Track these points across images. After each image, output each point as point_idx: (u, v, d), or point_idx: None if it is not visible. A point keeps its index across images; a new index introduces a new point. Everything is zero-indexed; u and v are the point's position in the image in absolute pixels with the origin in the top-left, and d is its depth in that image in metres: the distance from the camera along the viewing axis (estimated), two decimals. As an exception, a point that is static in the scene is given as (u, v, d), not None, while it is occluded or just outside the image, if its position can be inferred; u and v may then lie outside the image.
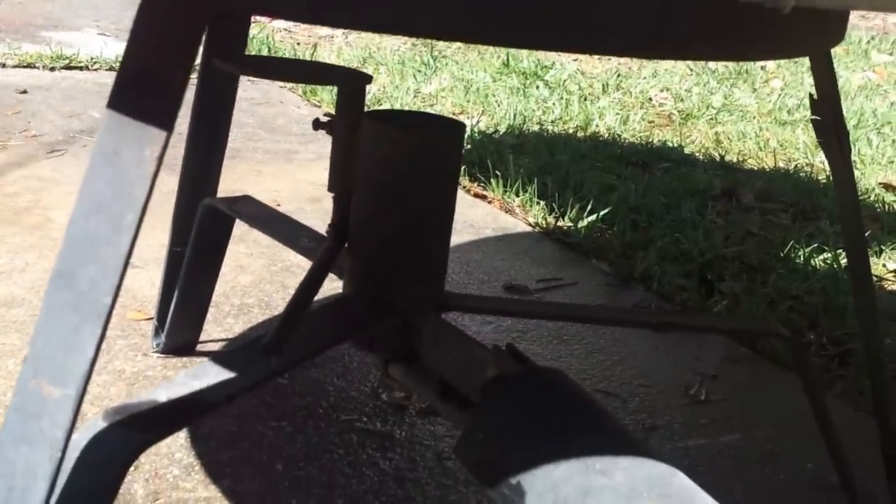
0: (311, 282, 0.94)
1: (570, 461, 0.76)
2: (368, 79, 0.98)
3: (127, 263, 0.67)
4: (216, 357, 0.85)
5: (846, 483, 1.10)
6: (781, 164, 2.85)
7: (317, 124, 0.99)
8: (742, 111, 3.42)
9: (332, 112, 0.96)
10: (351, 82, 0.96)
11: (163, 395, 0.79)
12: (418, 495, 1.17)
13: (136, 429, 0.75)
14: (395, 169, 0.94)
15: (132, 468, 1.11)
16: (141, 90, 0.69)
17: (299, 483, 1.16)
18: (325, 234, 1.14)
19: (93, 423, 0.75)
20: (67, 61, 3.16)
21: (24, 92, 2.80)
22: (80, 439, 0.74)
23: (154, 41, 0.70)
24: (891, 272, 2.09)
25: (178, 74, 0.69)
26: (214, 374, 0.82)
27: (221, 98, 1.27)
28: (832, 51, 0.98)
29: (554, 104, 3.21)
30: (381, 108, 3.01)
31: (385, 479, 1.19)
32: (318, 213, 2.06)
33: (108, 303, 0.67)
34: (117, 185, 0.68)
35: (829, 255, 2.08)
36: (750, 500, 1.25)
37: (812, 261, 2.05)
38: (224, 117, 1.29)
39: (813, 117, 1.01)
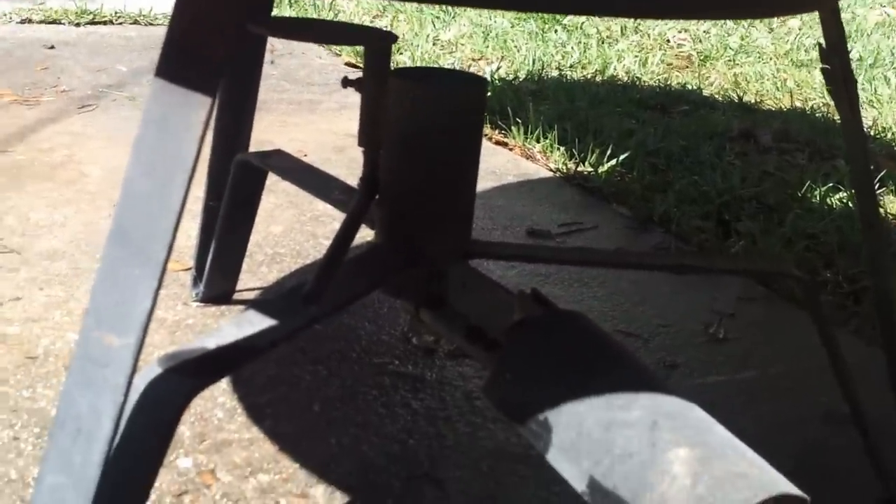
0: (346, 233, 0.99)
1: (593, 398, 0.82)
2: (394, 38, 1.02)
3: (179, 220, 0.73)
4: (259, 305, 0.91)
5: (857, 416, 1.15)
6: (798, 105, 2.87)
7: (346, 82, 1.04)
8: (759, 52, 3.43)
9: (352, 61, 1.00)
10: (377, 42, 1.00)
11: (211, 343, 0.85)
12: (449, 433, 1.23)
13: (189, 374, 0.81)
14: (420, 124, 0.99)
15: (180, 411, 1.17)
16: (186, 60, 0.74)
17: (335, 423, 1.23)
18: (354, 186, 1.19)
19: (149, 369, 0.81)
20: (92, 16, 3.21)
21: (52, 48, 2.85)
22: (138, 384, 0.79)
23: (195, 13, 0.74)
24: (906, 210, 2.13)
25: (220, 45, 0.74)
26: (258, 322, 0.88)
27: (251, 57, 1.32)
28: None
29: (572, 48, 3.23)
30: (400, 55, 3.05)
31: (417, 419, 1.25)
32: (343, 163, 2.11)
33: (162, 257, 0.73)
34: (166, 149, 0.74)
35: (845, 194, 2.11)
36: (765, 434, 1.30)
37: (828, 200, 2.09)
38: (254, 75, 1.34)
39: (822, 66, 1.05)
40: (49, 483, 0.74)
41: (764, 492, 0.71)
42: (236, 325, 0.88)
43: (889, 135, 2.65)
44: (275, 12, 3.41)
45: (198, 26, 0.74)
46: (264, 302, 1.33)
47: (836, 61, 1.02)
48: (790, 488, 0.74)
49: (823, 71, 1.04)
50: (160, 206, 0.73)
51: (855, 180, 1.11)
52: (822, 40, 1.03)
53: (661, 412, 0.80)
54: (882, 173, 2.22)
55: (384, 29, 1.06)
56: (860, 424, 1.16)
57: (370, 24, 3.42)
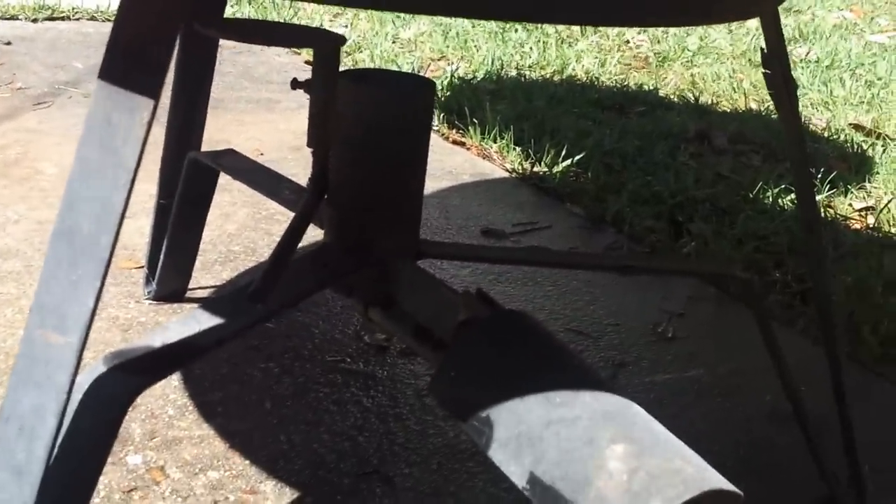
0: (294, 232, 1.00)
1: (534, 396, 0.83)
2: (343, 40, 1.03)
3: (122, 220, 0.73)
4: (206, 304, 0.92)
5: (799, 415, 1.17)
6: (754, 106, 2.91)
7: (295, 84, 1.05)
8: (717, 53, 3.46)
9: (311, 60, 1.01)
10: (326, 44, 1.01)
11: (157, 341, 0.86)
12: (400, 430, 1.24)
13: (134, 372, 0.82)
14: (369, 125, 1.00)
15: (130, 409, 1.18)
16: (129, 62, 0.75)
17: (287, 420, 1.24)
18: (305, 186, 1.20)
19: (94, 367, 0.81)
20: (50, 12, 3.19)
21: (9, 43, 2.83)
22: (83, 382, 0.80)
23: (140, 15, 0.75)
24: (856, 211, 2.16)
25: (162, 47, 0.74)
26: (205, 320, 0.88)
27: (204, 55, 1.33)
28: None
29: (531, 48, 3.25)
30: (360, 52, 3.05)
31: (368, 416, 1.26)
32: (299, 162, 2.11)
33: (105, 257, 0.73)
34: (110, 149, 0.74)
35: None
36: (711, 431, 1.32)
37: (780, 201, 2.12)
38: (207, 73, 1.35)
39: (763, 70, 1.07)
40: (-8, 480, 0.75)
41: (697, 488, 0.73)
42: (182, 323, 0.89)
43: (842, 136, 2.68)
44: (234, 10, 3.39)
45: (141, 28, 0.75)
46: (211, 300, 1.34)
47: (777, 66, 1.04)
48: (724, 484, 0.75)
49: (765, 75, 1.06)
50: (103, 207, 0.74)
51: (796, 184, 1.13)
52: (762, 49, 1.05)
53: (600, 410, 0.82)
54: (833, 174, 2.26)
55: (335, 31, 1.07)
56: (802, 423, 1.18)
57: (330, 22, 3.42)
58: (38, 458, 0.73)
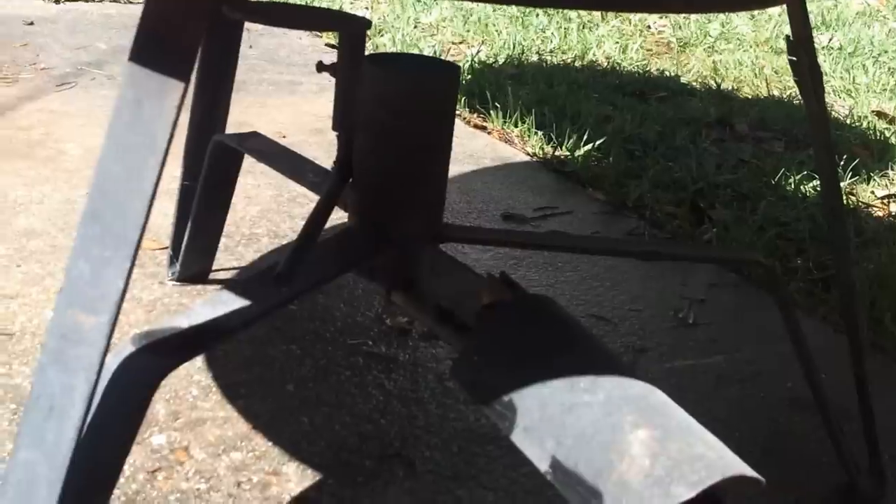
0: (319, 215, 1.00)
1: (556, 381, 0.84)
2: (368, 24, 1.03)
3: (151, 203, 0.74)
4: (232, 286, 0.92)
5: (819, 402, 1.17)
6: (776, 93, 2.90)
7: (321, 67, 1.05)
8: (739, 39, 3.45)
9: (332, 42, 1.01)
10: (352, 27, 1.01)
11: (184, 322, 0.87)
12: (421, 413, 1.25)
13: (162, 353, 0.83)
14: (393, 110, 1.00)
15: (154, 389, 1.19)
16: (158, 46, 0.75)
17: (309, 402, 1.24)
18: (329, 169, 1.21)
19: (122, 348, 0.82)
20: (72, -8, 3.20)
21: (31, 24, 2.85)
22: (111, 363, 0.81)
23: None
24: (879, 199, 2.15)
25: (192, 31, 0.75)
26: (231, 302, 0.89)
27: (228, 38, 1.33)
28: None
29: (552, 33, 3.25)
30: (381, 37, 3.05)
31: (390, 399, 1.27)
32: (321, 145, 2.12)
33: (134, 239, 0.74)
34: (140, 133, 0.75)
35: (818, 182, 2.14)
36: (732, 417, 1.33)
37: (802, 188, 2.12)
38: (231, 56, 1.35)
39: (790, 58, 1.06)
40: (22, 459, 0.75)
41: (719, 473, 0.73)
42: (209, 304, 0.90)
43: (864, 123, 2.67)
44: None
45: (171, 11, 0.75)
46: (237, 282, 1.35)
47: (803, 54, 1.03)
48: (746, 470, 0.76)
49: (791, 63, 1.06)
50: (133, 189, 0.74)
51: (820, 172, 1.13)
52: (787, 37, 1.05)
53: (622, 395, 0.82)
54: (855, 162, 2.25)
55: (359, 15, 1.07)
56: (823, 410, 1.18)
57: (351, 4, 3.42)
58: (68, 439, 0.74)
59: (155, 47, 0.75)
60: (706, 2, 0.83)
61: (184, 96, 0.75)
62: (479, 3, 0.69)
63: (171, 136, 0.75)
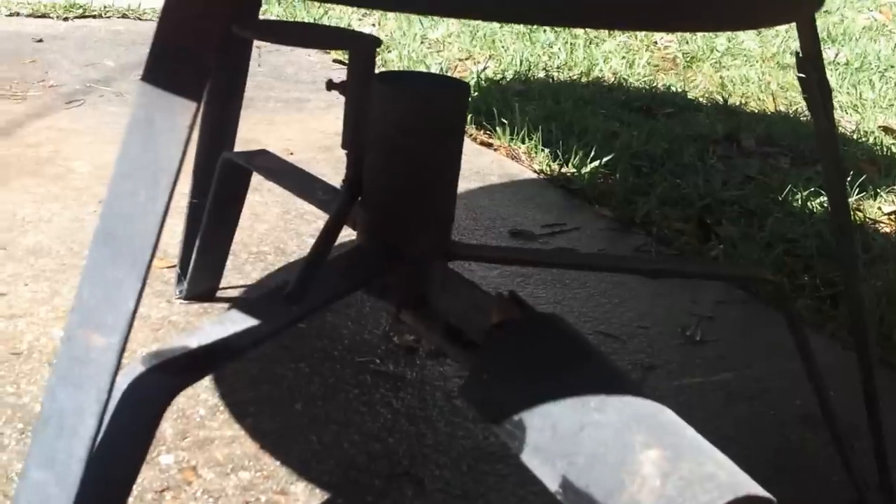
0: (329, 234, 1.00)
1: (567, 399, 0.84)
2: (378, 42, 1.04)
3: (163, 222, 0.74)
4: (242, 305, 0.92)
5: (828, 419, 1.17)
6: (783, 108, 2.90)
7: (330, 85, 1.06)
8: (746, 55, 3.45)
9: (340, 58, 1.02)
10: (361, 46, 1.02)
11: (194, 342, 0.87)
12: (429, 432, 1.25)
13: (172, 373, 0.83)
14: (403, 128, 1.01)
15: (162, 408, 1.19)
16: (172, 64, 0.75)
17: (317, 420, 1.24)
18: (338, 187, 1.21)
19: (131, 367, 0.82)
20: (81, 10, 3.22)
21: (40, 41, 2.86)
22: (121, 383, 0.81)
23: (182, 19, 0.76)
24: (886, 214, 2.15)
25: (207, 49, 0.75)
26: (241, 322, 0.89)
27: (238, 56, 1.34)
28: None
29: (559, 49, 3.25)
30: (388, 52, 3.06)
31: (398, 417, 1.27)
32: (329, 162, 2.12)
33: (146, 259, 0.74)
34: (152, 151, 0.75)
35: (826, 198, 2.13)
36: (741, 435, 1.32)
37: (809, 204, 2.12)
38: (241, 73, 1.36)
39: (799, 75, 1.07)
40: (33, 478, 0.75)
41: (731, 493, 0.73)
42: (219, 324, 0.90)
43: (871, 139, 2.67)
44: (264, 10, 3.41)
45: (185, 30, 0.75)
46: (247, 301, 1.35)
47: (812, 70, 1.03)
48: (757, 489, 0.75)
49: (800, 80, 1.06)
50: (145, 208, 0.74)
51: (829, 189, 1.13)
52: (796, 53, 1.05)
53: (633, 414, 0.82)
54: (862, 178, 2.25)
55: (369, 33, 1.08)
56: (832, 427, 1.18)
57: (359, 21, 3.43)
58: (79, 459, 0.74)
59: (167, 67, 0.75)
60: (715, 20, 0.83)
61: (196, 116, 0.75)
62: (486, 21, 0.69)
63: (184, 155, 0.75)
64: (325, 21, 3.33)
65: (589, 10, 0.72)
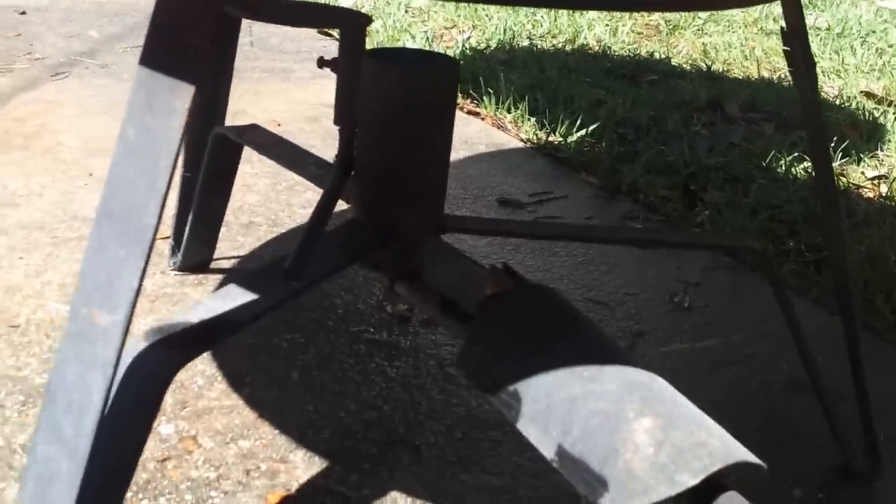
0: (324, 209, 1.02)
1: (560, 369, 0.86)
2: (369, 20, 1.05)
3: (164, 202, 0.76)
4: (241, 280, 0.94)
5: (814, 384, 1.19)
6: (766, 74, 2.91)
7: (321, 62, 1.07)
8: (728, 21, 3.46)
9: (327, 31, 1.03)
10: (352, 23, 1.03)
11: (195, 317, 0.88)
12: (424, 399, 1.27)
13: (175, 347, 0.85)
14: (394, 105, 1.02)
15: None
16: (168, 48, 0.77)
17: (313, 390, 1.26)
18: (329, 161, 1.23)
19: (135, 342, 0.84)
20: (63, -19, 3.20)
21: (24, 13, 2.85)
22: (125, 358, 0.83)
23: (180, 2, 0.77)
24: (869, 180, 2.18)
25: (202, 32, 0.76)
26: (241, 296, 0.91)
27: (228, 34, 1.34)
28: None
29: (542, 17, 3.26)
30: (373, 23, 3.06)
31: (392, 385, 1.29)
32: (316, 133, 2.13)
33: (149, 238, 0.76)
34: (151, 134, 0.76)
35: (810, 164, 2.16)
36: (728, 399, 1.35)
37: (793, 170, 2.14)
38: (230, 49, 1.37)
39: (784, 48, 1.08)
40: (42, 453, 0.77)
41: (722, 460, 0.76)
42: (219, 298, 0.91)
43: (853, 104, 2.69)
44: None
45: (180, 14, 0.76)
46: (246, 275, 1.37)
47: (797, 44, 1.05)
48: (748, 456, 0.78)
49: (785, 52, 1.07)
50: (146, 189, 0.76)
51: (813, 159, 1.15)
52: (782, 28, 1.06)
53: (626, 384, 0.84)
54: (845, 143, 2.27)
55: (359, 10, 1.09)
56: (818, 392, 1.21)
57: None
58: (87, 433, 0.76)
59: (165, 50, 0.76)
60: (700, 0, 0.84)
61: (193, 97, 0.76)
62: (470, 3, 0.70)
63: (183, 135, 0.76)
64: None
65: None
